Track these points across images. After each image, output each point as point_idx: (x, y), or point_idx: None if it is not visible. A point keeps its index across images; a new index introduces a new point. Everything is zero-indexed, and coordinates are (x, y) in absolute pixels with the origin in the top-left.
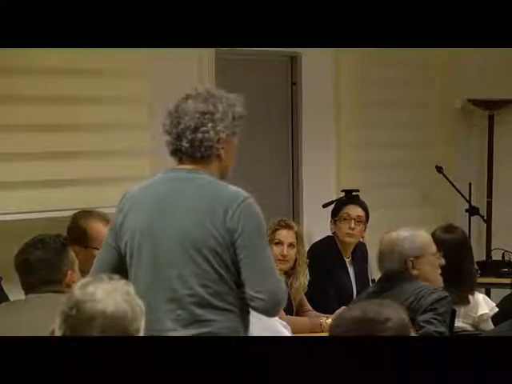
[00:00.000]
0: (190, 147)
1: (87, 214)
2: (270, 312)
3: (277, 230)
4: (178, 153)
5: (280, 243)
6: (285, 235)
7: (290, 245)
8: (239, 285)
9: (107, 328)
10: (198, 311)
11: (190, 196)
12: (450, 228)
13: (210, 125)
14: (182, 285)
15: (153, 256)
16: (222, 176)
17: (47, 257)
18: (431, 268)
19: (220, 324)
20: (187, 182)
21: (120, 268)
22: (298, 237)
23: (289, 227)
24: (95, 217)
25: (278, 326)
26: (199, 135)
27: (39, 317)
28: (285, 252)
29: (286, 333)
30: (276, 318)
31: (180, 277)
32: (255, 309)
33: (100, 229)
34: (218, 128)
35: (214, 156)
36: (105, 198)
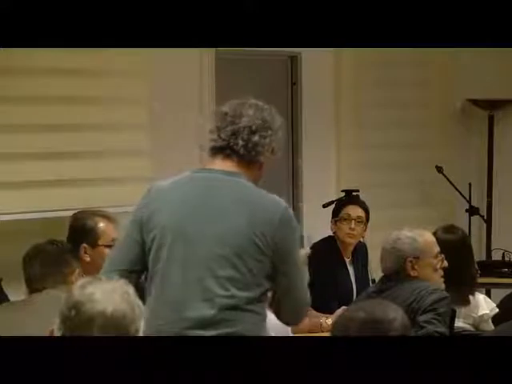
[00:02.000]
0: (243, 147)
1: (91, 213)
2: (294, 324)
3: None
4: (226, 150)
5: None
6: None
7: None
8: (268, 289)
9: (107, 328)
10: (230, 312)
11: (230, 200)
12: (450, 228)
13: (269, 132)
14: (218, 286)
15: (185, 256)
16: (255, 183)
17: (61, 251)
18: (431, 270)
19: (246, 325)
20: (226, 185)
21: (140, 262)
22: None
23: None
24: (100, 215)
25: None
26: (256, 137)
27: (41, 315)
28: None
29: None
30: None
31: (216, 277)
32: (280, 320)
33: (106, 227)
34: (273, 138)
35: (258, 164)
36: (105, 197)
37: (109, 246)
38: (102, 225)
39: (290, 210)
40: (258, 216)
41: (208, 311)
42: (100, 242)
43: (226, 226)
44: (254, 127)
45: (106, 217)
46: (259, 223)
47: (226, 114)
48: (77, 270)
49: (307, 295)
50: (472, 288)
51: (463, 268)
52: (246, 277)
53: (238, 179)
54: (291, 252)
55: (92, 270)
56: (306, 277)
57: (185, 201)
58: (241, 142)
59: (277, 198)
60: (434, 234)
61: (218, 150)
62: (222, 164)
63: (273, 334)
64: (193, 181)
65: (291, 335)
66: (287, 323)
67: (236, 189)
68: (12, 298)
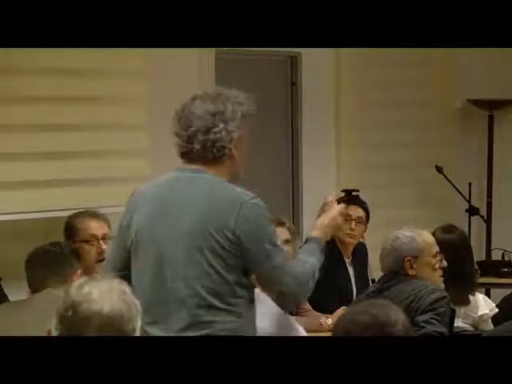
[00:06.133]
0: (202, 149)
1: (80, 212)
2: (297, 300)
3: None
4: (188, 155)
5: None
6: (279, 232)
7: (286, 241)
8: (243, 285)
9: (103, 328)
10: (199, 312)
11: (193, 197)
12: (449, 228)
13: (221, 125)
14: (185, 286)
15: (155, 256)
16: (235, 175)
17: (63, 252)
18: (430, 269)
19: (220, 325)
20: (191, 182)
21: (125, 266)
22: (292, 233)
23: (281, 224)
24: (85, 214)
25: (291, 320)
26: (211, 136)
27: (41, 315)
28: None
29: (300, 329)
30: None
31: (183, 278)
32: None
33: (88, 224)
34: (230, 128)
35: (227, 156)
36: (104, 197)
37: (87, 242)
38: (80, 222)
39: (255, 201)
40: (217, 211)
41: (177, 315)
42: (77, 239)
43: (188, 223)
44: (204, 127)
45: (90, 214)
46: (218, 218)
47: (178, 115)
48: (78, 271)
49: (293, 279)
50: (472, 288)
51: (463, 267)
52: (211, 274)
53: (205, 175)
54: (256, 244)
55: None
56: (281, 262)
57: (155, 202)
58: (197, 146)
59: (241, 191)
60: (433, 234)
61: (182, 155)
62: (190, 165)
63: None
64: (166, 181)
65: (295, 330)
66: (284, 308)
67: (201, 186)
68: (12, 298)
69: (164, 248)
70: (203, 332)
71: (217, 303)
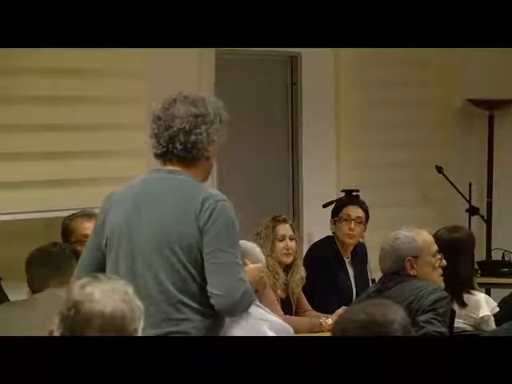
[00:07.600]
0: (183, 150)
1: (73, 214)
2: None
3: (275, 226)
4: (167, 155)
5: (283, 237)
6: (284, 229)
7: (291, 238)
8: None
9: (105, 328)
10: (168, 309)
11: (166, 195)
12: (455, 228)
13: (203, 127)
14: (156, 283)
15: (130, 254)
16: (206, 177)
17: (63, 253)
18: (430, 269)
19: (189, 323)
20: (165, 181)
21: (102, 266)
22: (294, 230)
23: (285, 221)
24: (78, 215)
25: (263, 328)
26: (193, 137)
27: (42, 314)
28: (289, 245)
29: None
30: (267, 316)
31: (154, 276)
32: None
33: (80, 225)
34: (210, 130)
35: (204, 158)
36: (104, 198)
37: (80, 242)
38: (73, 223)
39: (224, 202)
40: (189, 208)
41: (147, 311)
42: (73, 239)
43: (159, 221)
44: (187, 127)
45: (84, 215)
46: (190, 215)
47: (159, 118)
48: None
49: (235, 284)
50: (469, 288)
51: (458, 268)
52: (179, 270)
53: (179, 176)
54: (215, 240)
55: None
56: (235, 267)
57: (129, 201)
58: (179, 146)
59: (214, 191)
60: (438, 234)
61: (160, 156)
62: (167, 166)
63: (272, 334)
64: (141, 182)
65: (291, 335)
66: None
67: (174, 185)
68: (12, 298)
69: (136, 246)
70: (171, 329)
71: (186, 301)
